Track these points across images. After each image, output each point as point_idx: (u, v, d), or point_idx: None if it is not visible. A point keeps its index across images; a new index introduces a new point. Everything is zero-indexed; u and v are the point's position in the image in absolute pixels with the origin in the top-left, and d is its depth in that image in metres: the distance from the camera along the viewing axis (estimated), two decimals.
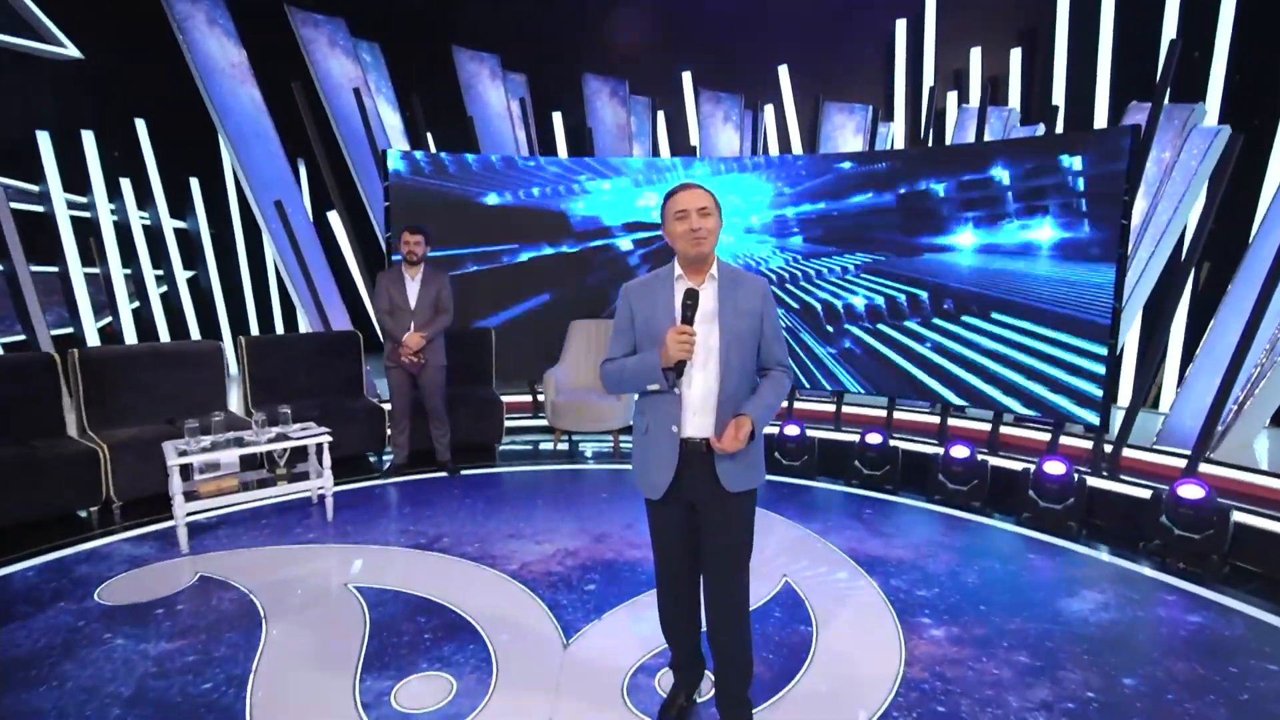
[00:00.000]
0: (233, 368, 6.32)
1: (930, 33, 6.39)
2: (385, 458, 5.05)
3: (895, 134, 6.49)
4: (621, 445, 5.58)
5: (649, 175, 5.78)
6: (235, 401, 5.16)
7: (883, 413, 5.32)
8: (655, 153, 6.81)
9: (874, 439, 4.74)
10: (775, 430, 5.02)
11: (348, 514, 4.01)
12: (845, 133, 6.31)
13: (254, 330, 8.32)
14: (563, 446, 5.56)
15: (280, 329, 8.43)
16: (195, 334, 7.77)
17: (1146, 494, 4.07)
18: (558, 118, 6.99)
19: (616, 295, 2.15)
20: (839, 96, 6.42)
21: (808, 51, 6.78)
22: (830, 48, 6.79)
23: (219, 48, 5.54)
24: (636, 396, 2.09)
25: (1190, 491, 3.75)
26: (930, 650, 2.65)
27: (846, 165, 5.08)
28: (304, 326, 5.95)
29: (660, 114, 7.03)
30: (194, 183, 7.78)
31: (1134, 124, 4.24)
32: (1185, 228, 5.06)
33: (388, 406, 4.85)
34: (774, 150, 6.78)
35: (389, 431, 4.85)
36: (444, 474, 4.73)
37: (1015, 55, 6.09)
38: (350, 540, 3.65)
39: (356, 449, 4.96)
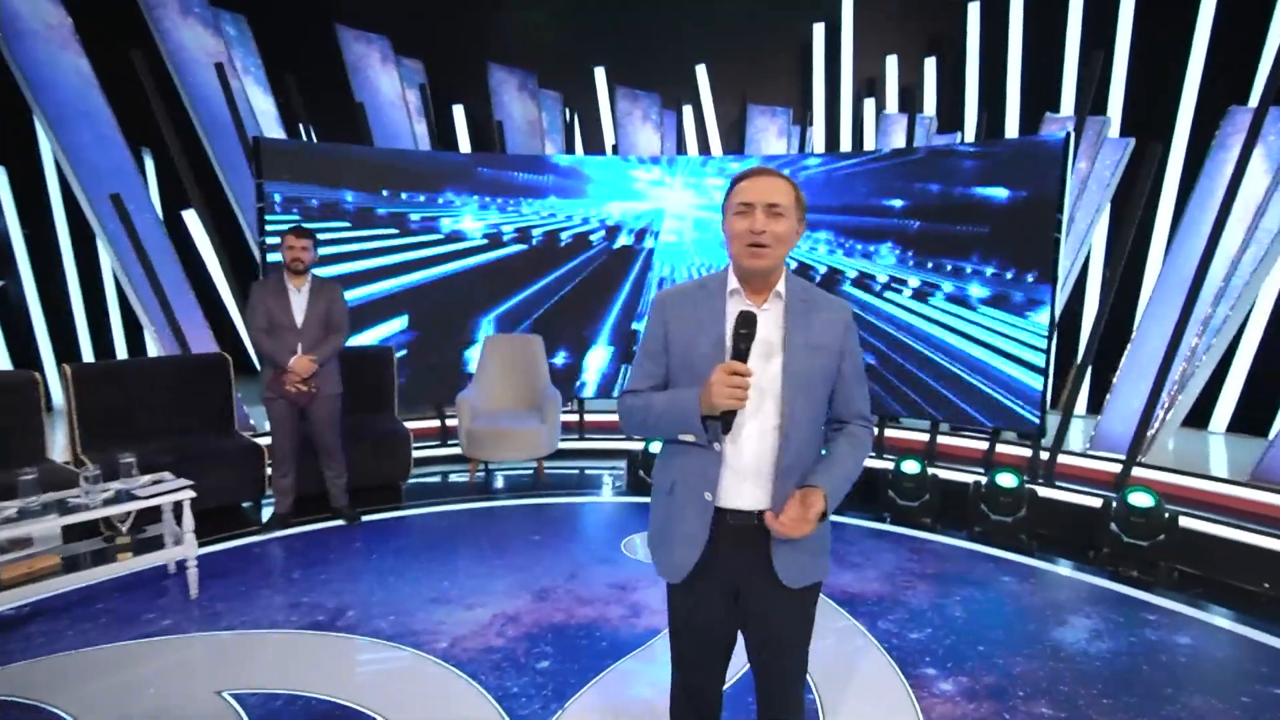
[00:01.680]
0: (59, 403, 5.12)
1: (848, 38, 6.33)
2: (267, 507, 4.20)
3: (816, 139, 6.37)
4: (547, 470, 5.02)
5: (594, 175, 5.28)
6: (60, 448, 4.11)
7: None
8: (569, 150, 6.31)
9: None
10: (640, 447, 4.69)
11: (217, 587, 3.19)
12: (769, 135, 6.10)
13: (86, 356, 6.91)
14: (479, 476, 4.92)
15: (123, 353, 7.07)
16: (3, 362, 6.35)
17: (1089, 501, 4.07)
18: (459, 110, 6.32)
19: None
20: (758, 99, 6.22)
21: (726, 52, 6.55)
22: (748, 49, 6.59)
23: (29, 3, 4.45)
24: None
25: (1140, 499, 3.74)
26: (949, 711, 2.33)
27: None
28: (154, 350, 4.91)
29: (571, 110, 6.54)
30: None
31: (1066, 132, 4.25)
32: (1089, 238, 5.20)
33: (267, 442, 4.02)
34: (692, 151, 6.46)
35: (270, 474, 4.02)
36: (341, 522, 3.97)
37: (930, 64, 6.15)
38: (221, 624, 2.87)
39: (228, 498, 4.07)
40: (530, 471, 5.07)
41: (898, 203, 4.66)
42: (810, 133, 6.17)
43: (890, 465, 4.35)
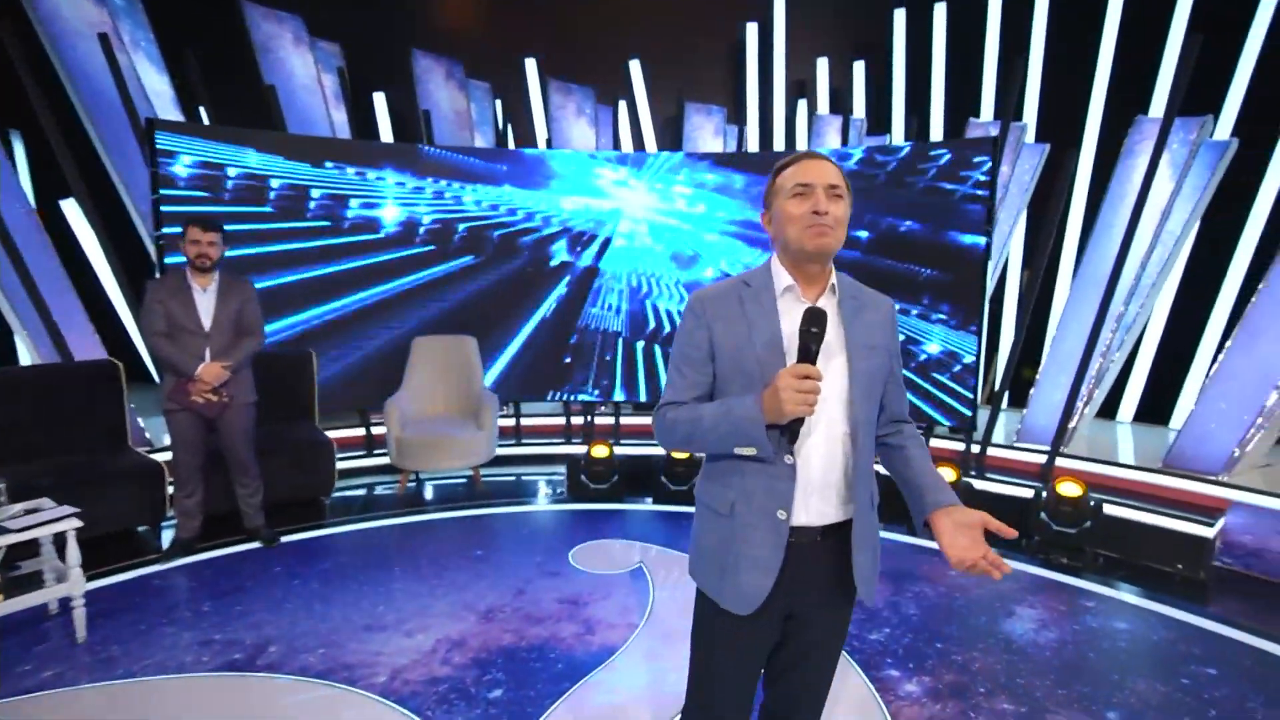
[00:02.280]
0: None
1: (780, 39, 6.37)
2: (168, 531, 3.77)
3: (749, 138, 6.38)
4: (485, 478, 4.77)
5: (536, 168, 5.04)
6: None
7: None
8: (500, 143, 6.05)
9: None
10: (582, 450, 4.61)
11: (110, 627, 2.80)
12: (705, 133, 6.06)
13: None
14: (410, 487, 4.62)
15: None
16: None
17: (1020, 492, 4.24)
18: (381, 99, 5.94)
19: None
20: (693, 96, 6.17)
21: (659, 48, 6.46)
22: (682, 47, 6.53)
23: None
24: (705, 458, 1.47)
25: (1069, 488, 3.90)
26: (916, 713, 2.30)
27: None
28: (29, 358, 4.34)
29: (500, 102, 6.28)
30: None
31: (993, 136, 4.39)
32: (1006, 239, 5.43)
33: (167, 458, 3.60)
34: (628, 148, 6.34)
35: (171, 494, 3.60)
36: (257, 545, 3.61)
37: (859, 67, 6.27)
38: (116, 671, 2.51)
39: (121, 523, 3.62)
40: (465, 481, 4.81)
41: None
42: (745, 132, 6.18)
43: None
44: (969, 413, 4.49)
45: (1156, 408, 5.26)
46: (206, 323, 3.25)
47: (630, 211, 5.15)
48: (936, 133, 6.01)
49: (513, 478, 4.97)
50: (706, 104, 6.07)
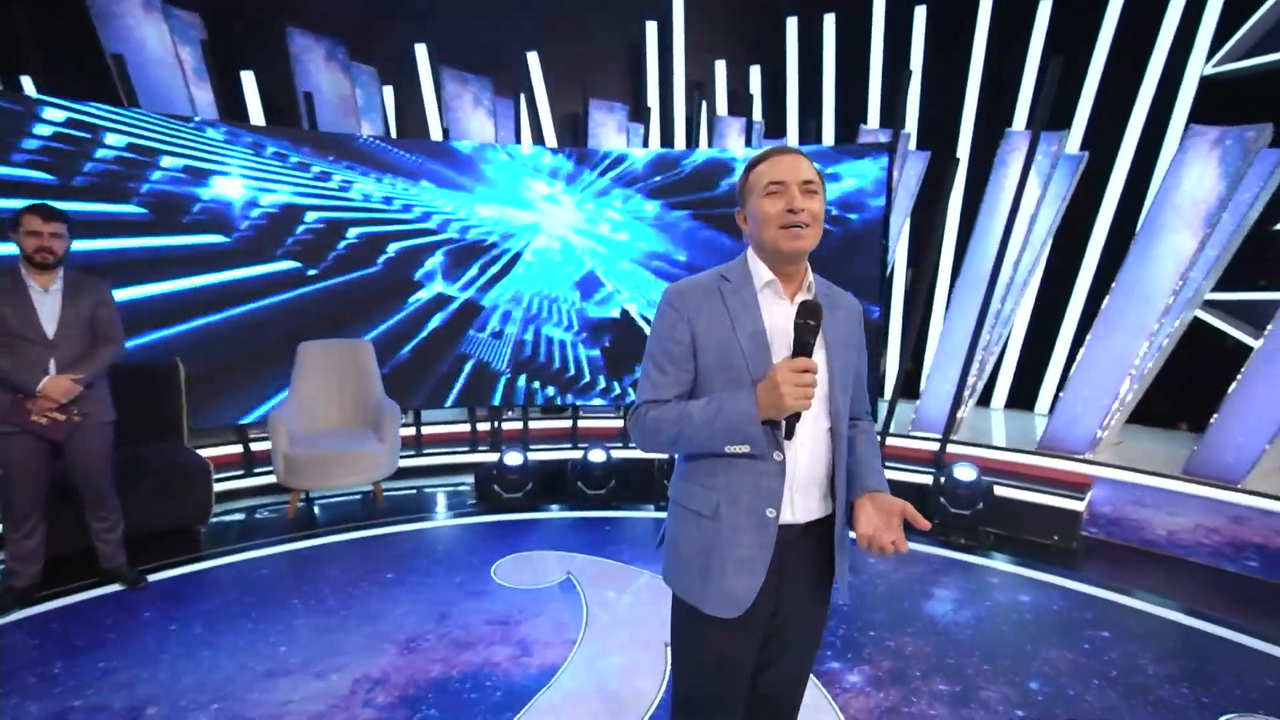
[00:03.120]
0: None
1: (680, 38, 6.40)
2: None
3: (652, 137, 6.35)
4: (385, 493, 4.42)
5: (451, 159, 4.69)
6: None
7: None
8: (388, 132, 5.64)
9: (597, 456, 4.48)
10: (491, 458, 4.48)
11: None
12: (608, 130, 5.96)
13: None
14: (300, 507, 4.19)
15: None
16: None
17: (919, 479, 4.51)
18: (249, 77, 5.34)
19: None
20: (595, 92, 6.06)
21: (558, 41, 6.29)
22: (581, 40, 6.39)
23: None
24: (679, 458, 1.42)
25: (964, 473, 4.19)
26: (863, 704, 2.34)
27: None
28: None
29: (391, 89, 5.86)
30: None
31: (886, 142, 4.64)
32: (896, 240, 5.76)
33: None
34: (527, 143, 6.11)
35: (2, 534, 3.02)
36: (119, 587, 3.10)
37: (755, 71, 6.42)
38: None
39: None
40: (361, 497, 4.43)
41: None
42: (647, 131, 6.15)
43: None
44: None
45: (1024, 395, 5.79)
46: (50, 329, 2.73)
47: (550, 227, 4.96)
48: (829, 137, 6.28)
49: (414, 491, 4.65)
50: (609, 101, 5.98)
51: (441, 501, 4.47)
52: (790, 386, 1.21)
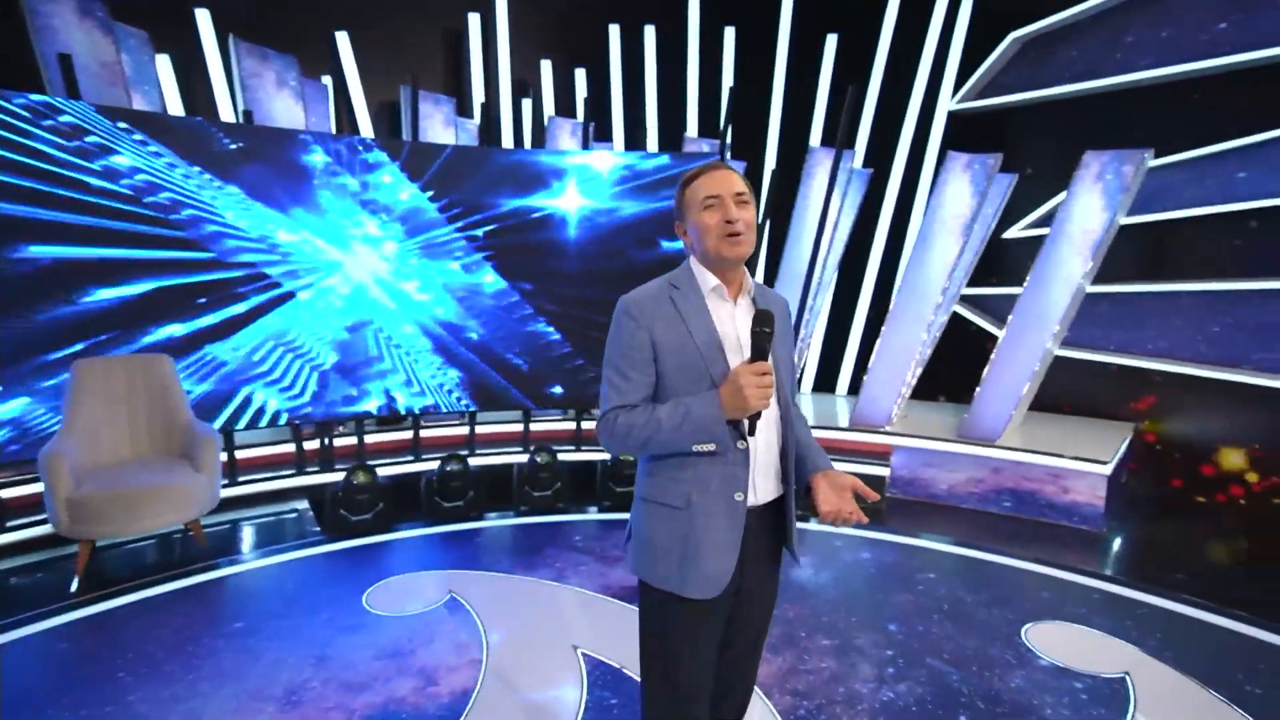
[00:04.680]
0: None
1: (504, 34, 6.25)
2: None
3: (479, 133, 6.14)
4: (205, 530, 3.81)
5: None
6: None
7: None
8: (164, 108, 4.79)
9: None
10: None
11: None
12: (434, 124, 5.64)
13: None
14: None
15: None
16: None
17: None
18: None
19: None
20: (415, 82, 5.71)
21: (371, 22, 5.79)
22: (398, 24, 5.95)
23: None
24: (641, 459, 1.51)
25: None
26: (767, 670, 2.57)
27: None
28: None
29: (169, 58, 4.97)
30: None
31: (707, 150, 5.02)
32: None
33: None
34: (333, 130, 5.59)
35: None
36: None
37: (580, 74, 6.50)
38: None
39: None
40: (173, 539, 3.78)
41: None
42: (474, 126, 5.94)
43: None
44: None
45: (827, 379, 6.60)
46: None
47: (352, 270, 4.51)
48: (652, 144, 6.58)
49: (229, 525, 4.07)
50: (434, 93, 5.68)
51: (275, 532, 3.96)
52: (753, 389, 1.32)
